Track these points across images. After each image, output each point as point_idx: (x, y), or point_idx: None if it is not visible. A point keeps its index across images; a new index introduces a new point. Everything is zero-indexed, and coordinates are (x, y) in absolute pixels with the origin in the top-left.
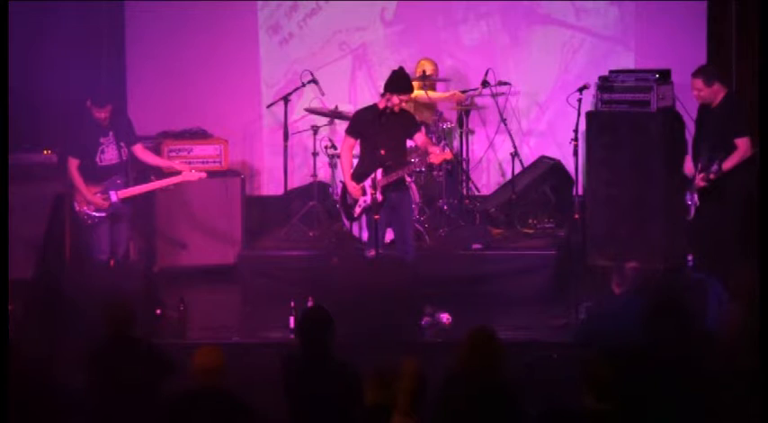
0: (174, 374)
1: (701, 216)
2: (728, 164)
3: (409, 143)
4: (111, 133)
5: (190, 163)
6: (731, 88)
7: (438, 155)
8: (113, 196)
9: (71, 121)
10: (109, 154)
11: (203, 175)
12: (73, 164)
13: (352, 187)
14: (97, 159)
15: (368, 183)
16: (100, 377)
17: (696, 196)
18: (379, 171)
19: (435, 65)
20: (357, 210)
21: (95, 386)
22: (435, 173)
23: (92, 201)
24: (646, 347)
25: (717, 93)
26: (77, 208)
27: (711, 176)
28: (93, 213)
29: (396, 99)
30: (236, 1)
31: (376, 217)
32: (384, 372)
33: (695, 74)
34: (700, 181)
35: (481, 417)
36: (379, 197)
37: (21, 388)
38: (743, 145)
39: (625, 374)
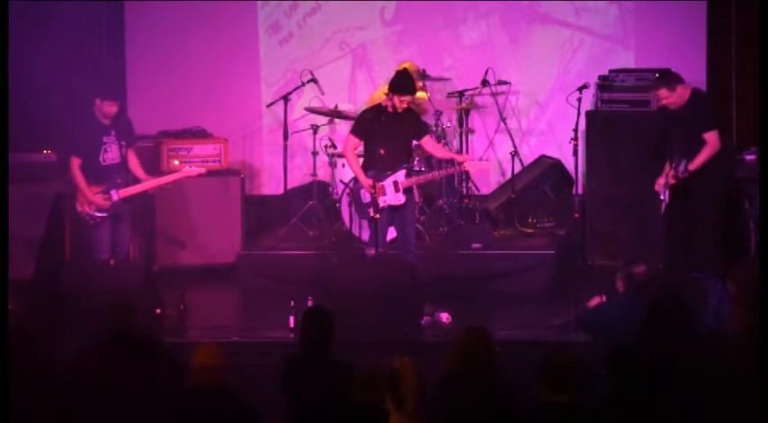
0: (177, 373)
1: (673, 212)
2: (698, 161)
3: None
4: (113, 133)
5: (189, 162)
6: (693, 87)
7: (476, 164)
8: (114, 196)
9: (73, 120)
10: (111, 153)
11: (202, 170)
12: (75, 163)
13: (368, 184)
14: (100, 159)
15: (388, 182)
16: (101, 376)
17: (668, 193)
18: (402, 172)
19: (416, 67)
20: (375, 208)
21: (96, 385)
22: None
23: (93, 200)
24: (646, 346)
25: (682, 95)
26: (79, 208)
27: (681, 176)
28: (95, 213)
29: (396, 99)
30: (235, 1)
31: (376, 216)
32: (373, 371)
33: (656, 85)
34: (671, 179)
35: (478, 416)
36: (402, 199)
37: (22, 388)
38: (712, 139)
39: (627, 373)
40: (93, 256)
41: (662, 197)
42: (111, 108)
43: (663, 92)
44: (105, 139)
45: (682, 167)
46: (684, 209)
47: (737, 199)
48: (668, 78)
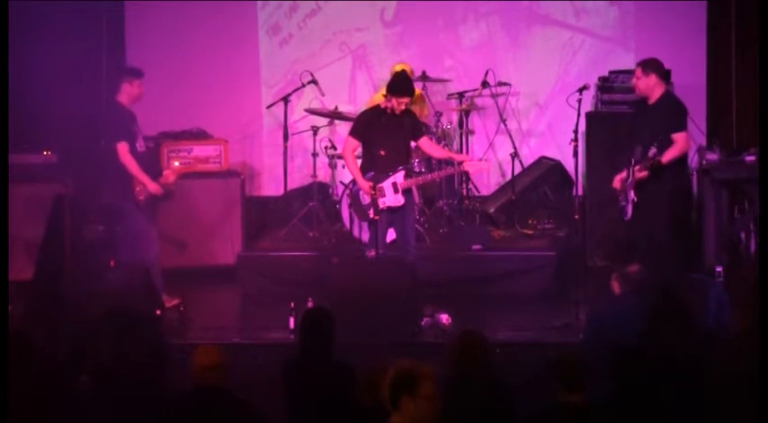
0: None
1: (640, 211)
2: (668, 157)
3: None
4: (136, 122)
5: (189, 164)
6: (670, 86)
7: (474, 165)
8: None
9: (102, 112)
10: (140, 142)
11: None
12: (124, 148)
13: (367, 186)
14: (137, 145)
15: (387, 184)
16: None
17: (633, 193)
18: (401, 174)
19: (410, 69)
20: (375, 210)
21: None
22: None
23: (149, 185)
24: (648, 347)
25: (654, 87)
26: (142, 197)
27: (650, 164)
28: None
29: (394, 101)
30: (236, 1)
31: (376, 217)
32: (374, 372)
33: (638, 63)
34: (638, 172)
35: (474, 417)
36: (402, 200)
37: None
38: (681, 139)
39: (628, 374)
40: (152, 249)
41: (630, 197)
42: (141, 88)
43: (637, 71)
44: (135, 129)
45: (653, 151)
46: (650, 209)
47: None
48: (648, 63)
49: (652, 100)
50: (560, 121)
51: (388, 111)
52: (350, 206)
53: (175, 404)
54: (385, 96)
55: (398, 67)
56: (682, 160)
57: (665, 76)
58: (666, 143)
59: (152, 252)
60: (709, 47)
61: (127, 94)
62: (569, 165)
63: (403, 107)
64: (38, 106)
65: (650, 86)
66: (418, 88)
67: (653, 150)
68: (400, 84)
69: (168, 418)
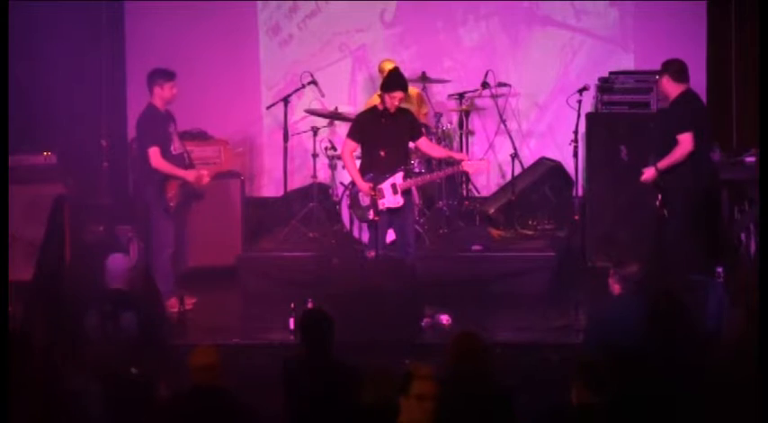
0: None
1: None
2: (665, 162)
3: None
4: (171, 123)
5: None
6: (689, 88)
7: (473, 164)
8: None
9: (135, 115)
10: (176, 143)
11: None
12: (155, 152)
13: (367, 188)
14: (171, 148)
15: (386, 185)
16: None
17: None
18: (400, 174)
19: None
20: (375, 211)
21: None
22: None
23: (188, 176)
24: (648, 349)
25: (667, 88)
26: (173, 204)
27: (644, 180)
28: (171, 204)
29: (387, 97)
30: (236, 1)
31: (375, 218)
32: (380, 373)
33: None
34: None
35: (475, 418)
36: (401, 201)
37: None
38: (684, 140)
39: (629, 375)
40: (164, 252)
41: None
42: (173, 90)
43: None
44: (170, 129)
45: (651, 171)
46: (667, 211)
47: (716, 202)
48: (664, 64)
49: (670, 100)
50: (560, 121)
51: (386, 111)
52: (350, 207)
53: (173, 404)
54: (379, 96)
55: (387, 65)
56: (694, 160)
57: (679, 76)
58: (673, 144)
59: (164, 255)
60: (710, 47)
61: (159, 96)
62: (569, 165)
63: (396, 103)
64: (38, 106)
65: (664, 87)
66: (418, 88)
67: (650, 170)
68: (390, 79)
69: (166, 418)
